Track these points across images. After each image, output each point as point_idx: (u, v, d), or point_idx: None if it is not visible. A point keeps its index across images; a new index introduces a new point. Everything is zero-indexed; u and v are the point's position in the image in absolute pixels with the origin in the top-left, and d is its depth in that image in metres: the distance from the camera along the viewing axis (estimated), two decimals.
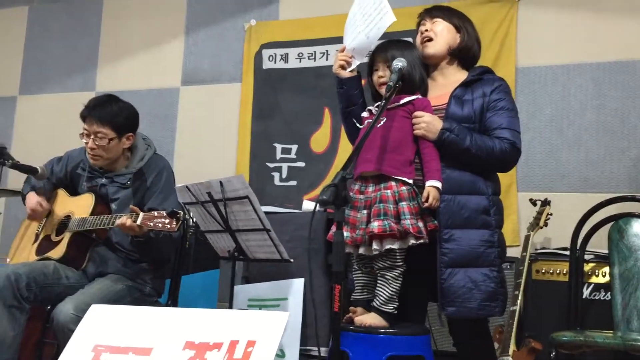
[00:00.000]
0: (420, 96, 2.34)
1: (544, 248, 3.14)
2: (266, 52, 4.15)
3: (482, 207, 2.28)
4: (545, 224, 2.99)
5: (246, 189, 2.19)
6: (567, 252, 2.89)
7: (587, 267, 2.83)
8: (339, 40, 4.02)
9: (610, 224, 2.74)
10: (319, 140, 3.95)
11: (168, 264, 2.92)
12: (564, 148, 3.45)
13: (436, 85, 2.43)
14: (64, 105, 4.58)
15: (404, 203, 2.16)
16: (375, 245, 2.14)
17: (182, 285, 3.06)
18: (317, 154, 3.94)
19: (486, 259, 2.24)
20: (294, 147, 3.99)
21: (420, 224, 2.17)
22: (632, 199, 2.83)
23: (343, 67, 2.46)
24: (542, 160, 3.43)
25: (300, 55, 4.07)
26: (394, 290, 2.22)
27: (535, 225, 2.97)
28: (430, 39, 2.40)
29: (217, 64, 4.31)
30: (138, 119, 2.89)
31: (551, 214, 3.03)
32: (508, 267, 2.90)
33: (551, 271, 2.90)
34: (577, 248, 2.80)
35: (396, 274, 2.22)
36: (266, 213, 3.77)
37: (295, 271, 3.32)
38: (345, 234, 2.15)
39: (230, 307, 2.66)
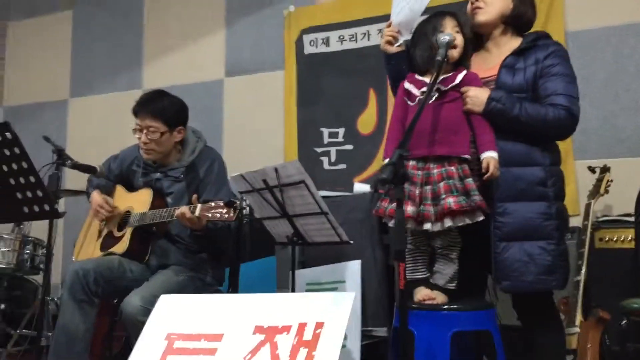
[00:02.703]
0: (467, 71, 2.30)
1: (605, 216, 3.06)
2: (307, 38, 4.14)
3: (538, 178, 2.21)
4: (606, 191, 2.91)
5: (302, 174, 2.20)
6: (630, 219, 2.81)
7: None
8: (379, 19, 4.04)
9: None
10: (366, 122, 3.93)
11: (226, 253, 2.97)
12: (620, 113, 3.34)
13: (490, 57, 2.36)
14: (113, 105, 4.69)
15: (470, 179, 2.14)
16: (448, 222, 2.12)
17: (240, 273, 3.11)
18: (364, 135, 3.93)
19: (543, 231, 2.18)
20: (341, 131, 3.98)
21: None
22: None
23: (390, 43, 2.42)
24: (598, 126, 3.33)
25: (342, 37, 4.04)
26: (456, 267, 2.20)
27: (595, 192, 2.89)
28: (479, 8, 2.33)
29: (259, 53, 4.32)
30: (188, 112, 2.94)
31: (611, 181, 2.94)
32: (569, 237, 2.83)
33: (615, 239, 2.83)
34: None
35: (457, 251, 2.21)
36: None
37: (350, 253, 3.33)
38: (409, 208, 2.11)
39: (293, 291, 2.68)
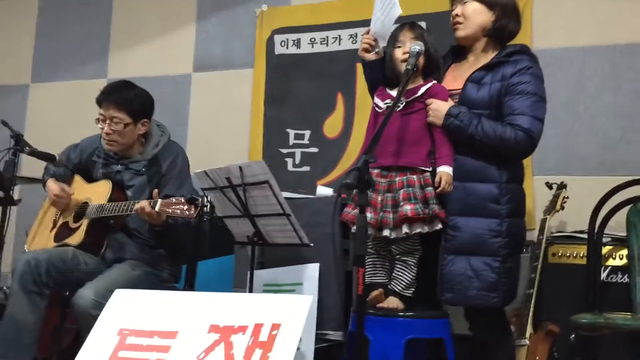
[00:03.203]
0: (434, 82, 2.33)
1: (560, 231, 3.12)
2: (278, 38, 4.13)
3: (492, 195, 2.22)
4: (562, 207, 2.98)
5: (266, 174, 2.19)
6: (584, 235, 2.87)
7: (604, 250, 2.82)
8: (351, 24, 4.05)
9: (628, 207, 2.72)
10: (332, 126, 3.93)
11: (184, 250, 2.93)
12: (580, 131, 3.42)
13: (466, 69, 2.37)
14: (76, 93, 4.58)
15: (430, 188, 2.17)
16: (405, 229, 2.15)
17: (198, 271, 3.07)
18: (330, 139, 3.93)
19: (490, 248, 2.20)
20: (307, 133, 3.98)
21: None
22: None
23: (367, 50, 2.44)
24: (557, 143, 3.40)
25: (313, 40, 4.05)
26: (414, 274, 2.23)
27: (551, 208, 2.96)
28: (459, 23, 2.35)
29: (229, 49, 4.29)
30: (153, 105, 2.90)
31: (567, 197, 3.02)
32: (524, 251, 2.89)
33: (568, 254, 2.89)
34: (595, 231, 2.78)
35: (416, 258, 2.24)
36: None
37: (310, 256, 3.33)
38: (368, 215, 2.14)
39: (250, 292, 2.67)
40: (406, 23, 2.39)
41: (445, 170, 2.19)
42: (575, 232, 3.02)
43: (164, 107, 4.22)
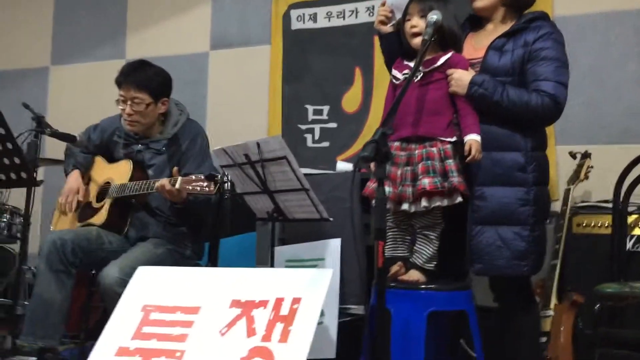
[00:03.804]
0: (452, 53, 2.28)
1: (584, 201, 3.08)
2: (294, 13, 4.09)
3: (518, 163, 2.20)
4: (586, 177, 2.93)
5: (284, 149, 2.19)
6: (608, 205, 2.83)
7: (630, 219, 2.78)
8: None
9: None
10: (351, 100, 3.90)
11: (206, 228, 2.96)
12: (603, 100, 3.35)
13: (484, 37, 2.33)
14: (95, 74, 4.61)
15: (450, 161, 2.14)
16: (424, 203, 2.12)
17: (220, 248, 3.10)
18: (349, 114, 3.91)
19: (518, 217, 2.18)
20: (326, 108, 3.95)
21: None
22: None
23: (383, 22, 2.40)
24: (580, 112, 3.34)
25: (329, 14, 4.00)
26: (436, 248, 2.22)
27: (575, 178, 2.91)
28: None
29: (245, 26, 4.26)
30: (172, 83, 2.91)
31: (592, 167, 2.96)
32: (548, 222, 2.86)
33: (592, 224, 2.86)
34: (620, 200, 2.73)
35: (437, 232, 2.22)
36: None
37: (331, 231, 3.33)
38: (387, 189, 2.11)
39: (272, 267, 2.69)
40: None
41: (474, 138, 2.15)
42: (599, 201, 2.98)
43: (182, 86, 4.22)
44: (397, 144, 2.23)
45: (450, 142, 2.19)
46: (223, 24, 4.34)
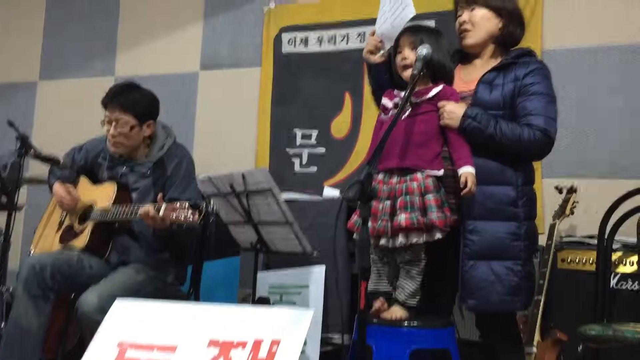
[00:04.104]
0: (443, 85, 2.28)
1: (569, 236, 3.08)
2: (285, 36, 4.10)
3: (510, 198, 2.20)
4: (572, 212, 2.93)
5: (269, 182, 2.16)
6: (593, 241, 2.83)
7: (614, 256, 2.78)
8: (359, 23, 4.01)
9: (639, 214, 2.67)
10: (340, 126, 3.90)
11: (189, 252, 2.92)
12: (590, 133, 3.37)
13: (473, 71, 2.34)
14: (84, 90, 4.59)
15: (430, 195, 2.12)
16: (401, 239, 2.11)
17: (203, 272, 3.06)
18: (337, 139, 3.90)
19: (511, 252, 2.18)
20: (314, 133, 3.95)
21: (448, 214, 2.14)
22: None
23: (372, 52, 2.39)
24: (567, 145, 3.35)
25: (320, 38, 4.01)
26: (418, 283, 2.19)
27: (561, 213, 2.91)
28: (467, 30, 2.31)
29: (237, 48, 4.26)
30: (158, 106, 2.89)
31: (577, 202, 2.96)
32: (534, 255, 2.85)
33: (577, 260, 2.85)
34: (605, 237, 2.73)
35: (420, 267, 2.20)
36: (286, 200, 3.77)
37: (316, 257, 3.31)
38: (369, 223, 2.12)
39: (254, 296, 2.65)
40: (408, 27, 2.34)
41: (469, 171, 2.13)
42: (585, 236, 2.98)
43: (171, 105, 4.22)
44: (380, 176, 2.22)
45: (434, 176, 2.17)
46: (214, 44, 4.34)
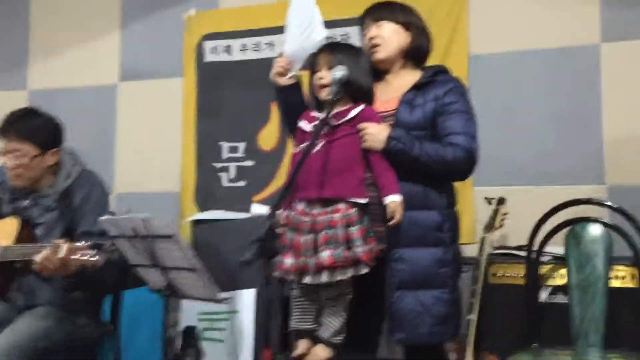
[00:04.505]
0: (364, 106, 2.17)
1: (501, 246, 3.02)
2: (208, 44, 3.90)
3: (435, 223, 2.15)
4: (501, 225, 2.87)
5: (171, 227, 2.01)
6: (524, 253, 2.78)
7: (545, 269, 2.74)
8: (284, 29, 3.83)
9: (567, 228, 2.63)
10: (267, 137, 3.74)
11: (105, 288, 2.73)
12: (518, 141, 3.32)
13: (389, 89, 2.26)
14: None
15: (354, 228, 2.02)
16: (325, 277, 2.00)
17: (125, 300, 2.89)
18: (266, 151, 3.75)
19: (438, 279, 2.13)
20: (242, 145, 3.78)
21: (373, 244, 2.04)
22: (587, 202, 2.71)
23: (281, 74, 2.28)
24: (496, 153, 3.28)
25: (244, 46, 3.84)
26: (343, 320, 2.10)
27: (490, 226, 2.84)
28: (377, 45, 2.23)
29: (157, 57, 4.04)
30: (62, 132, 2.69)
31: (507, 213, 2.90)
32: (465, 269, 2.79)
33: (508, 274, 2.80)
34: (534, 254, 2.68)
35: (346, 302, 2.10)
36: (213, 220, 3.63)
37: (247, 279, 3.20)
38: (288, 260, 2.03)
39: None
40: (327, 45, 2.23)
41: (395, 200, 2.05)
42: (516, 247, 2.93)
43: (89, 119, 4.01)
44: (301, 206, 2.10)
45: (358, 204, 2.06)
46: (133, 54, 4.11)
